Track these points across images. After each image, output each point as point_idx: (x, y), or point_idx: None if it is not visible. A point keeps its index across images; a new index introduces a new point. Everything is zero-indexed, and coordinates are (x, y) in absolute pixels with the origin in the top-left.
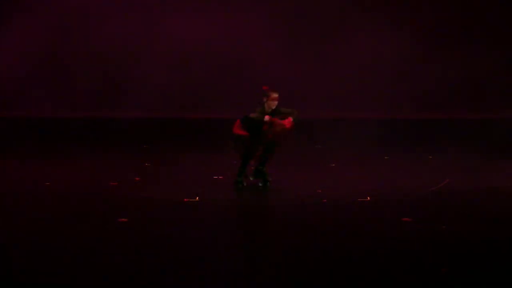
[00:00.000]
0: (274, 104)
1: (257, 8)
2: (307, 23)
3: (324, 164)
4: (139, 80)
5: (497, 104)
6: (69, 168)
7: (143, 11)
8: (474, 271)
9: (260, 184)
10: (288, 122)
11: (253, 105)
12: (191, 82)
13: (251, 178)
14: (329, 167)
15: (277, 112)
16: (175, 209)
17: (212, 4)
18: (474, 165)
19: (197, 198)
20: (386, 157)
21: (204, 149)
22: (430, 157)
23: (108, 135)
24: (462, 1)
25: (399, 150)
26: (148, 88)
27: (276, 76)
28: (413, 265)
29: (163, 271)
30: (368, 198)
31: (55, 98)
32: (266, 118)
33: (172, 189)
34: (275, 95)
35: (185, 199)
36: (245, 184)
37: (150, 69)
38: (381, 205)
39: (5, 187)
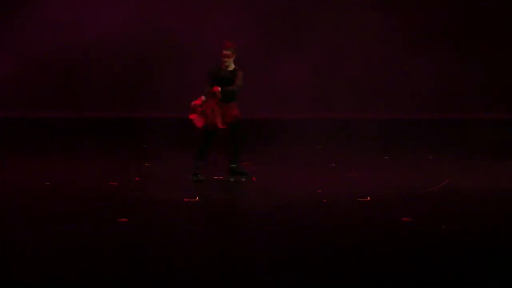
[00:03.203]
0: (226, 62)
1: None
2: (300, 19)
3: (324, 164)
4: (140, 80)
5: (498, 105)
6: (69, 168)
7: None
8: (474, 271)
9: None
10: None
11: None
12: (190, 81)
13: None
14: (329, 167)
15: (233, 75)
16: (175, 209)
17: None
18: (474, 165)
19: (197, 198)
20: (386, 157)
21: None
22: (430, 157)
23: (108, 135)
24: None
25: (399, 150)
26: (150, 87)
27: (272, 76)
28: (413, 265)
29: (163, 271)
30: (368, 198)
31: (55, 98)
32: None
33: (172, 189)
34: (225, 51)
35: (185, 199)
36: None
37: (151, 69)
38: (381, 205)
39: (5, 187)
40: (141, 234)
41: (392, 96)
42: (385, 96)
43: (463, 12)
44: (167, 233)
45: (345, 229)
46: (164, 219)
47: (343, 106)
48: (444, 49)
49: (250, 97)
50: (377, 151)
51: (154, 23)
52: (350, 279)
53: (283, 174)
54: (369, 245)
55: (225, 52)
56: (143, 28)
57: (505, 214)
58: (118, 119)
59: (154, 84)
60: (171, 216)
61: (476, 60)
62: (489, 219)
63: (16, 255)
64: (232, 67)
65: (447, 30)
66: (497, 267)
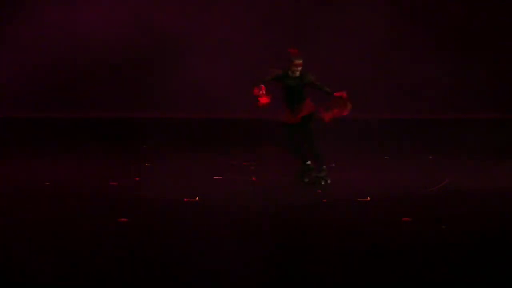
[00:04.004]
0: (297, 71)
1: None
2: (300, 17)
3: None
4: (140, 80)
5: (498, 105)
6: (69, 168)
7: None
8: (474, 271)
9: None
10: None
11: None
12: (190, 81)
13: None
14: (329, 167)
15: (307, 82)
16: (175, 209)
17: None
18: (474, 165)
19: (197, 198)
20: (386, 157)
21: (204, 149)
22: (430, 157)
23: (108, 135)
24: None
25: (399, 150)
26: (150, 87)
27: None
28: (413, 265)
29: (163, 271)
30: (368, 198)
31: (54, 98)
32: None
33: (172, 189)
34: (297, 61)
35: (185, 199)
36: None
37: (151, 69)
38: (381, 205)
39: (5, 187)
40: (141, 234)
41: (392, 96)
42: (385, 96)
43: (463, 12)
44: (167, 233)
45: (345, 229)
46: (164, 219)
47: None
48: (444, 49)
49: (250, 97)
50: (377, 151)
51: (155, 23)
52: (350, 279)
53: (283, 174)
54: (369, 245)
55: (297, 62)
56: (143, 28)
57: (505, 214)
58: (118, 119)
59: (154, 84)
60: (171, 216)
61: (476, 60)
62: (489, 219)
63: (16, 255)
64: (298, 73)
65: (447, 30)
66: (497, 267)
